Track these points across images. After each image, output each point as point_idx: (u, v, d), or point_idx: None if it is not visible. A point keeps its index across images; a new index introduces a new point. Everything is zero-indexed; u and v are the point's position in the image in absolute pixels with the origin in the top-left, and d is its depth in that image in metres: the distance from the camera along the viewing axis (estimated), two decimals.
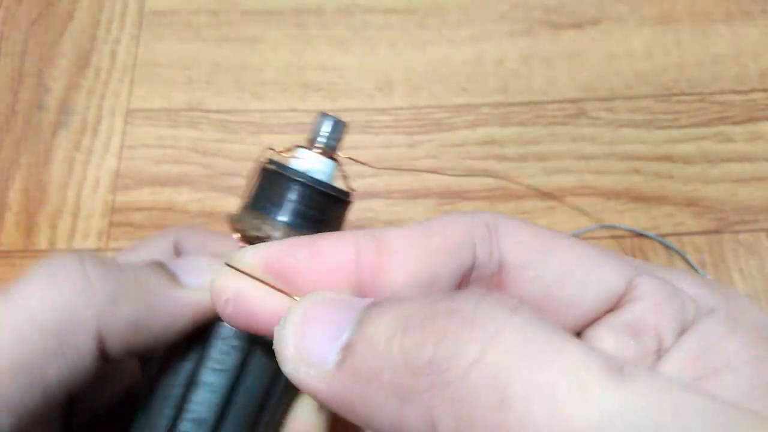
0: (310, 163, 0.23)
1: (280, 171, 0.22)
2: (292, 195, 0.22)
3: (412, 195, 0.42)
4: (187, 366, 0.22)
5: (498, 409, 0.12)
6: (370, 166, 0.23)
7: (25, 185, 0.43)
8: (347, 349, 0.14)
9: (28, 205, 0.42)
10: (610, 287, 0.18)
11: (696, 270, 0.39)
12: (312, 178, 0.22)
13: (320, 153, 0.23)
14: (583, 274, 0.18)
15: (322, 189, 0.22)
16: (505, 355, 0.13)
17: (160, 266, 0.22)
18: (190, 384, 0.21)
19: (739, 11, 0.47)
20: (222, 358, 0.22)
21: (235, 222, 0.23)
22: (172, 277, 0.21)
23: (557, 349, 0.13)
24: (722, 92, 0.44)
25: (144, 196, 0.42)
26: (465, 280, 0.18)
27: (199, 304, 0.21)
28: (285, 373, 0.15)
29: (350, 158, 0.24)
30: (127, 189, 0.42)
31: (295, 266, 0.17)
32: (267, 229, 0.22)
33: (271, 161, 0.23)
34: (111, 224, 0.41)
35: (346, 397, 0.14)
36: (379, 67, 0.46)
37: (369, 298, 0.15)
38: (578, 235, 0.40)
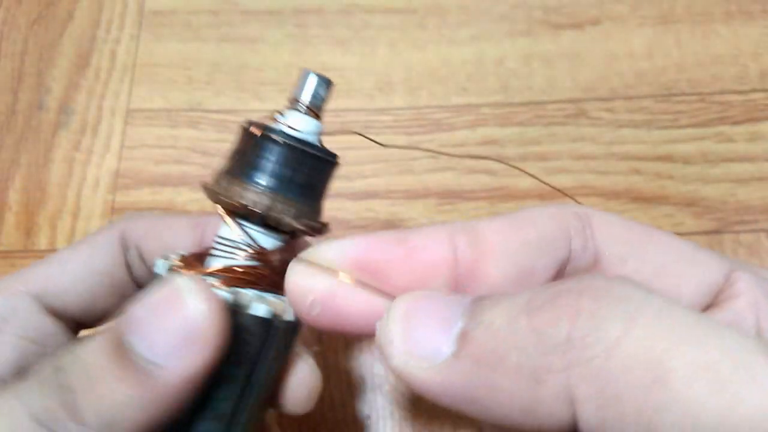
0: (294, 123, 0.21)
1: (262, 132, 0.21)
2: (275, 157, 0.20)
3: (412, 195, 0.42)
4: None
5: (652, 387, 0.12)
6: (379, 144, 0.22)
7: (25, 185, 0.43)
8: (463, 337, 0.14)
9: (28, 205, 0.42)
10: (709, 282, 0.17)
11: None
12: (296, 138, 0.21)
13: (304, 113, 0.21)
14: (682, 268, 0.17)
15: (307, 150, 0.21)
16: (653, 332, 0.12)
17: (113, 347, 0.17)
18: (211, 380, 0.19)
19: (739, 11, 0.47)
20: (244, 350, 0.20)
21: (214, 190, 0.21)
22: (126, 364, 0.17)
23: (708, 330, 0.12)
24: (722, 92, 0.44)
25: (144, 196, 0.42)
26: (560, 274, 0.17)
27: (175, 386, 0.17)
28: (391, 369, 0.14)
29: (359, 134, 0.22)
30: (127, 189, 0.42)
31: (389, 263, 0.16)
32: (250, 196, 0.20)
33: (250, 122, 0.21)
34: None
35: (465, 387, 0.14)
36: (379, 67, 0.46)
37: (471, 295, 0.15)
38: None
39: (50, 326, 0.22)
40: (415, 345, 0.14)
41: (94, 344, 0.17)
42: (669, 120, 0.43)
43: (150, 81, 0.46)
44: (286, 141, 0.20)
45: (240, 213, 0.21)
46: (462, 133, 0.44)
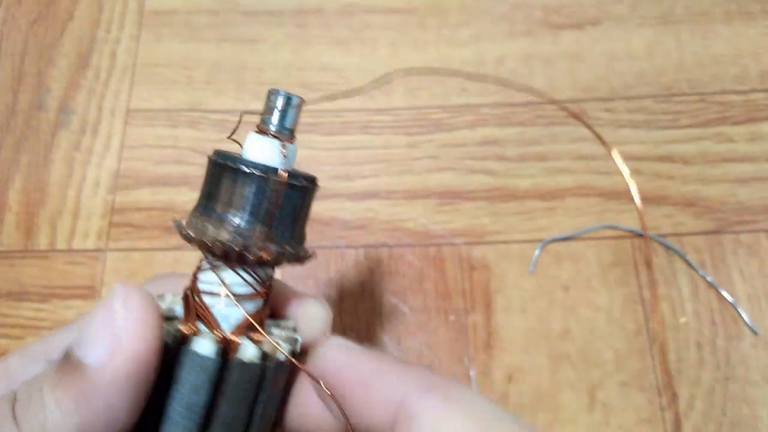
0: (264, 151, 0.20)
1: (229, 164, 0.19)
2: (247, 191, 0.19)
3: (413, 195, 0.42)
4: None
5: None
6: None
7: (25, 185, 0.43)
8: None
9: (28, 205, 0.42)
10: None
11: (696, 270, 0.39)
12: (267, 167, 0.19)
13: (274, 137, 0.20)
14: None
15: (280, 180, 0.19)
16: None
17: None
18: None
19: (739, 11, 0.47)
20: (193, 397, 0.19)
21: (185, 229, 0.20)
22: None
23: None
24: (722, 92, 0.44)
25: (144, 196, 0.42)
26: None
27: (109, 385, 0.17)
28: None
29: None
30: (127, 189, 0.42)
31: None
32: (221, 234, 0.19)
33: (217, 153, 0.20)
34: (111, 224, 0.41)
35: None
36: (379, 67, 0.46)
37: None
38: (578, 236, 0.40)
39: None
40: None
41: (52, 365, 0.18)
42: (669, 120, 0.43)
43: (150, 81, 0.46)
44: (256, 172, 0.19)
45: (218, 253, 0.19)
46: (462, 133, 0.44)
